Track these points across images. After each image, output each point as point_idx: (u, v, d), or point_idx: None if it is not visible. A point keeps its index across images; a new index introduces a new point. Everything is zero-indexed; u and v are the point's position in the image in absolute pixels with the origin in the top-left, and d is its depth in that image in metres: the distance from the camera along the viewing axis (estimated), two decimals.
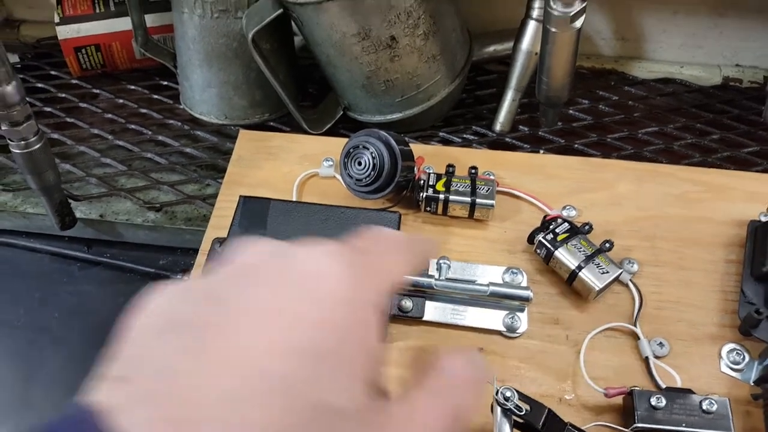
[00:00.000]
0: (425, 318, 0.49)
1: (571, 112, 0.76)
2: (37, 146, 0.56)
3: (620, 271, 0.50)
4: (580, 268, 0.50)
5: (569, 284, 0.51)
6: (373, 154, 0.53)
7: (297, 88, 0.76)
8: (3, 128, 0.54)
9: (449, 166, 0.57)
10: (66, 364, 0.59)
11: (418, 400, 0.25)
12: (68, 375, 0.58)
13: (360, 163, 0.53)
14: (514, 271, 0.52)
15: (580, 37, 0.55)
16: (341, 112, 0.73)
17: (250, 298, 0.24)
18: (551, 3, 0.53)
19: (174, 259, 0.67)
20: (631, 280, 0.52)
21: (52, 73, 0.86)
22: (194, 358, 0.22)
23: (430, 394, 0.25)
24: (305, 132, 0.71)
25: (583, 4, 0.53)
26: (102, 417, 0.21)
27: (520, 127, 0.74)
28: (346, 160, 0.54)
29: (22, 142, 0.55)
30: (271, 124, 0.75)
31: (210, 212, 0.67)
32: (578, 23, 0.54)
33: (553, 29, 0.54)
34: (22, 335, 0.61)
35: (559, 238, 0.51)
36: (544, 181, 0.59)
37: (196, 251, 0.66)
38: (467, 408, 0.26)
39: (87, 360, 0.59)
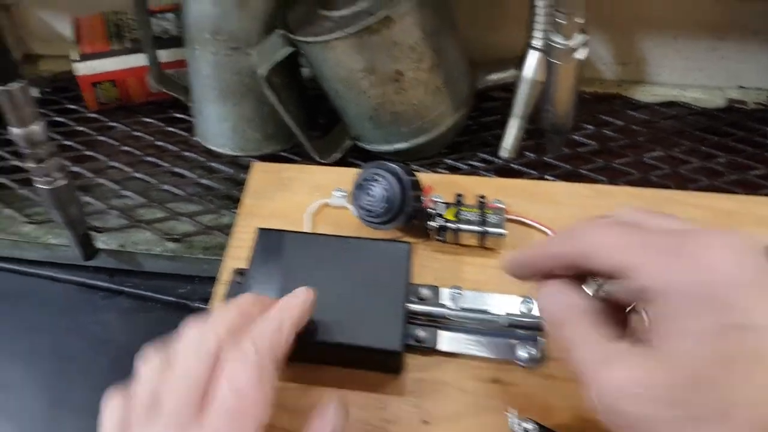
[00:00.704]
0: (439, 348, 0.50)
1: (576, 137, 0.77)
2: (61, 182, 0.58)
3: None
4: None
5: None
6: (384, 186, 0.55)
7: (307, 119, 0.78)
8: (29, 165, 0.56)
9: (458, 195, 0.58)
10: (93, 392, 0.60)
11: None
12: (93, 404, 0.60)
13: (371, 195, 0.55)
14: (529, 300, 0.52)
15: (582, 67, 0.57)
16: (350, 142, 0.75)
17: None
18: (553, 36, 0.55)
19: (193, 287, 0.69)
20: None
21: (70, 106, 0.88)
22: None
23: None
24: (316, 162, 0.74)
25: (585, 37, 0.55)
26: None
27: (526, 153, 0.75)
28: (357, 192, 0.56)
29: (47, 179, 0.57)
30: (284, 154, 0.78)
31: (226, 241, 0.69)
32: (580, 55, 0.56)
33: (556, 61, 0.56)
34: (49, 365, 0.63)
35: None
36: (553, 208, 0.60)
37: (213, 279, 0.68)
38: None
39: (111, 389, 0.61)
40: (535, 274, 0.39)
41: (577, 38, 0.54)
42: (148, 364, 0.38)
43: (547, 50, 0.56)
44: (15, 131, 0.53)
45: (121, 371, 0.62)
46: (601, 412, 0.30)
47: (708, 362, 0.28)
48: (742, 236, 0.31)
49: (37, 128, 0.53)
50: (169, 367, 0.36)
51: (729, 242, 0.30)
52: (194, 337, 0.38)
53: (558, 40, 0.54)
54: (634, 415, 0.29)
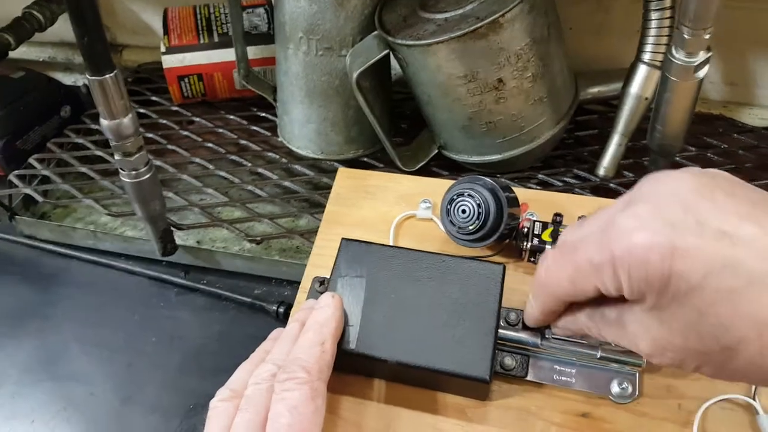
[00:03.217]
0: (528, 378, 0.47)
1: (678, 159, 0.73)
2: (147, 176, 0.57)
3: None
4: None
5: None
6: (479, 202, 0.51)
7: (390, 124, 0.76)
8: (116, 158, 0.55)
9: (557, 215, 0.55)
10: (161, 389, 0.60)
11: None
12: (163, 401, 0.59)
13: (464, 212, 0.52)
14: None
15: (701, 87, 0.53)
16: (436, 150, 0.72)
17: None
18: (673, 51, 0.51)
19: (269, 289, 0.67)
20: None
21: (153, 98, 0.88)
22: None
23: None
24: (398, 168, 0.71)
25: (708, 54, 0.50)
26: None
27: (625, 172, 0.71)
28: (449, 207, 0.53)
29: (133, 172, 0.56)
30: (365, 159, 0.75)
31: (303, 244, 0.68)
32: (701, 73, 0.51)
33: (674, 78, 0.52)
34: (121, 358, 0.62)
35: None
36: None
37: (290, 282, 0.67)
38: None
39: (182, 387, 0.60)
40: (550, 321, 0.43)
41: (701, 55, 0.50)
42: (219, 396, 0.42)
43: (665, 65, 0.52)
44: (105, 123, 0.52)
45: (191, 371, 0.62)
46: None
47: (692, 324, 0.31)
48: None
49: (126, 121, 0.52)
50: (236, 397, 0.41)
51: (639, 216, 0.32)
52: (249, 371, 0.43)
53: (679, 56, 0.50)
54: (674, 364, 0.34)
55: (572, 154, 0.74)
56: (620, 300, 0.35)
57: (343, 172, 0.64)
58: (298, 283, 0.55)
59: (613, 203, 0.35)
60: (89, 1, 0.45)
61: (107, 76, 0.49)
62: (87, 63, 0.48)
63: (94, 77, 0.48)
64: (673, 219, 0.30)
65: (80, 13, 0.45)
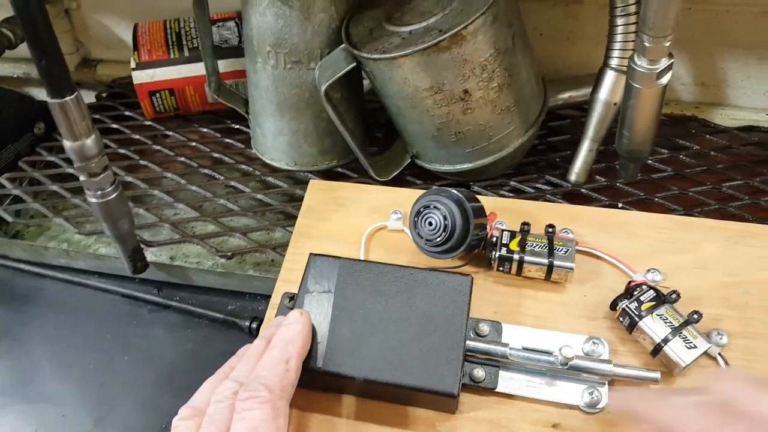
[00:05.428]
0: (498, 389, 0.47)
1: (650, 162, 0.73)
2: (113, 196, 0.56)
3: (709, 345, 0.47)
4: (666, 341, 0.46)
5: (653, 356, 0.48)
6: (444, 215, 0.51)
7: (364, 134, 0.76)
8: (81, 179, 0.55)
9: (524, 224, 0.55)
10: (135, 409, 0.59)
11: None
12: (136, 421, 0.58)
13: (431, 224, 0.52)
14: (596, 341, 0.49)
15: (665, 93, 0.53)
16: (409, 160, 0.72)
17: None
18: (636, 58, 0.51)
19: (242, 304, 0.67)
20: (719, 353, 0.48)
21: (126, 113, 0.88)
22: None
23: None
24: (372, 178, 0.71)
25: (670, 61, 0.50)
26: None
27: (597, 177, 0.71)
28: (416, 219, 0.53)
29: (99, 192, 0.55)
30: (339, 170, 0.75)
31: (277, 259, 0.67)
32: (664, 80, 0.51)
33: (637, 85, 0.52)
34: (94, 377, 0.62)
35: (644, 307, 0.48)
36: (626, 240, 0.56)
37: (264, 297, 0.67)
38: None
39: (155, 406, 0.59)
40: None
41: (663, 62, 0.50)
42: (180, 415, 0.41)
43: (629, 72, 0.52)
44: (68, 144, 0.51)
45: (164, 390, 0.61)
46: None
47: None
48: None
49: (90, 142, 0.52)
50: (198, 415, 0.40)
51: None
52: (212, 388, 0.42)
53: (641, 63, 0.50)
54: None
55: (544, 160, 0.74)
56: None
57: (314, 184, 0.64)
58: None
59: None
60: (45, 24, 0.44)
61: (68, 98, 0.48)
62: (47, 86, 0.47)
63: (54, 100, 0.48)
64: None
65: (37, 36, 0.44)
